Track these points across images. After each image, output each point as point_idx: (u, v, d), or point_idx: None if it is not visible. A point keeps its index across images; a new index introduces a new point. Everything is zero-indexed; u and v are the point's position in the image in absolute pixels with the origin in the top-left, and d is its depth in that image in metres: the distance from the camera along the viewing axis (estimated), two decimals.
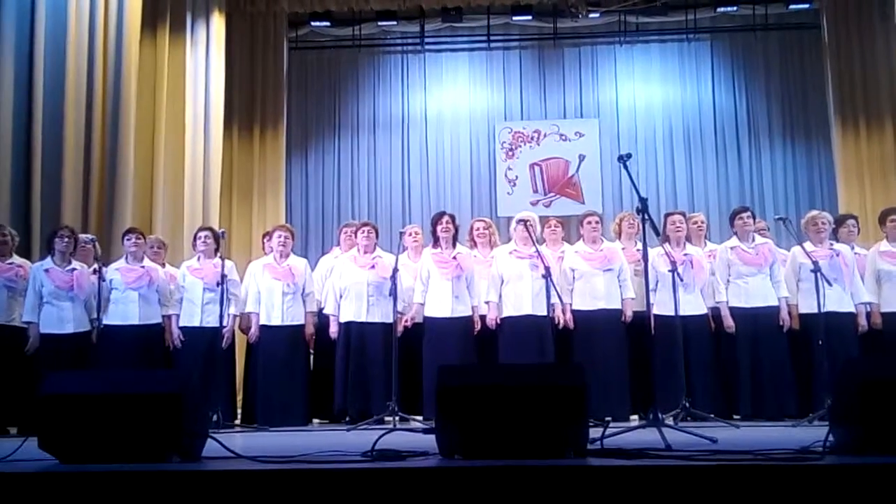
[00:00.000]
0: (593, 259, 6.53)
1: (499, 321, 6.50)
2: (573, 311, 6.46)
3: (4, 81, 7.26)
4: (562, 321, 6.35)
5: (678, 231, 6.58)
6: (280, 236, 6.82)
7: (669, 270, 5.89)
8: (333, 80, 10.93)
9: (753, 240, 6.54)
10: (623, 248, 6.71)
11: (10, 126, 7.25)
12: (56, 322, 6.22)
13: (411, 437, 4.29)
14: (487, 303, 6.54)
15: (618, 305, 6.47)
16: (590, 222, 6.70)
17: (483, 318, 6.52)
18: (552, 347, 6.17)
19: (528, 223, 6.51)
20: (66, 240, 6.33)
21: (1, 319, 6.18)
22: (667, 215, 6.79)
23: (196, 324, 6.53)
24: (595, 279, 6.48)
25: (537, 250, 6.24)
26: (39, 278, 6.23)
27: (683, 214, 6.83)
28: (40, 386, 3.31)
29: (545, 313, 6.20)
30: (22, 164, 7.31)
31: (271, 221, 9.11)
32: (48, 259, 6.35)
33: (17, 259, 6.40)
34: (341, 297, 6.70)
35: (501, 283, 6.55)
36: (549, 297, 6.08)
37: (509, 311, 6.48)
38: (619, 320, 6.45)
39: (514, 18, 10.58)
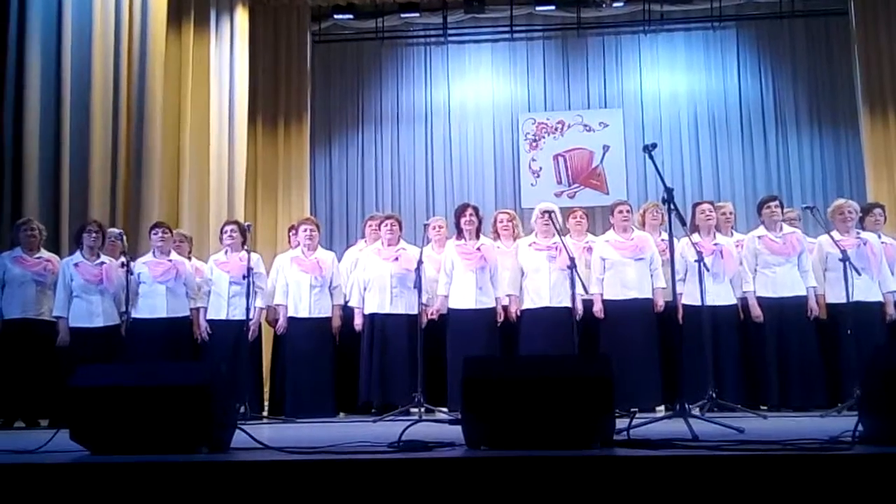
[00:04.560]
0: (624, 248, 6.49)
1: (519, 313, 6.50)
2: (603, 301, 6.43)
3: (32, 78, 7.33)
4: (580, 314, 6.28)
5: (708, 220, 6.50)
6: (306, 230, 6.86)
7: (696, 261, 5.84)
8: (357, 72, 10.95)
9: (781, 229, 6.48)
10: None
11: (38, 122, 7.33)
12: (86, 316, 6.28)
13: (437, 428, 4.29)
14: (509, 296, 6.54)
15: (649, 295, 6.41)
16: (620, 211, 6.65)
17: (505, 309, 6.53)
18: (574, 339, 6.10)
19: (549, 214, 6.48)
20: (95, 234, 6.41)
21: (31, 314, 6.25)
22: (695, 205, 6.72)
23: (223, 317, 6.58)
24: (626, 268, 6.43)
25: (561, 241, 6.21)
26: (69, 273, 6.30)
27: (712, 203, 6.77)
28: (71, 378, 3.35)
29: (567, 304, 6.18)
30: (50, 160, 7.39)
31: (296, 214, 9.16)
32: (77, 253, 6.42)
33: (45, 254, 6.47)
34: (365, 289, 6.73)
35: (522, 276, 6.54)
36: (573, 288, 6.05)
37: (528, 303, 6.47)
38: (649, 310, 6.39)
39: (538, 9, 10.54)
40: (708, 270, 5.96)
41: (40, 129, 7.34)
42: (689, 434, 3.53)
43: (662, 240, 6.51)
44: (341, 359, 6.86)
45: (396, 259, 6.70)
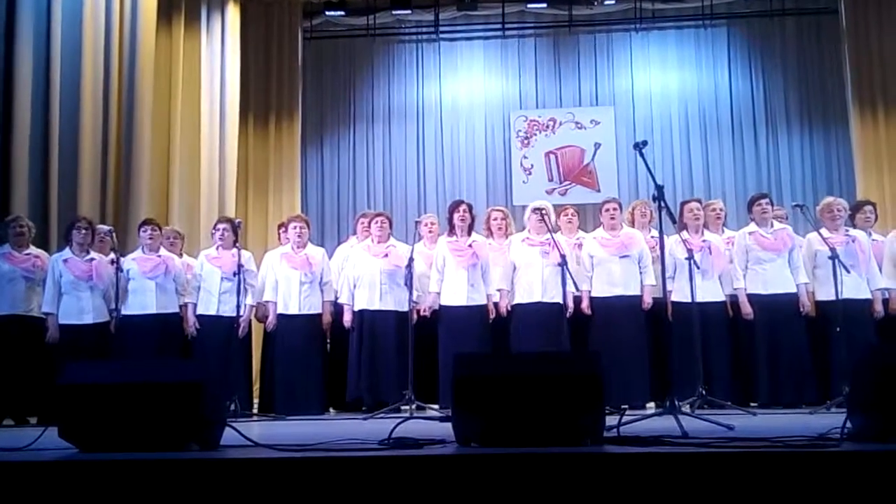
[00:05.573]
0: (610, 245, 6.51)
1: (509, 308, 6.50)
2: (591, 298, 6.44)
3: (22, 75, 7.30)
4: (571, 309, 6.31)
5: (696, 220, 6.54)
6: (296, 227, 6.85)
7: (686, 258, 5.86)
8: (348, 69, 10.92)
9: (772, 226, 6.50)
10: None
11: (28, 119, 7.30)
12: (76, 313, 6.27)
13: (428, 425, 4.30)
14: (500, 290, 6.54)
15: (635, 292, 6.43)
16: (608, 209, 6.68)
17: (496, 305, 6.53)
18: (566, 334, 6.15)
19: (542, 212, 6.49)
20: (84, 231, 6.39)
21: (20, 310, 6.23)
22: (683, 203, 6.76)
23: (213, 312, 6.57)
24: (611, 265, 6.46)
25: (552, 238, 6.22)
26: (58, 269, 6.28)
27: (700, 202, 6.80)
28: (60, 375, 3.34)
29: (558, 300, 6.20)
30: (39, 157, 7.36)
31: (287, 212, 9.13)
32: (66, 250, 6.41)
33: (34, 250, 6.45)
34: (355, 286, 6.72)
35: (514, 271, 6.55)
36: (564, 285, 6.06)
37: (520, 298, 6.48)
38: (637, 307, 6.41)
39: (529, 6, 10.53)
40: (698, 267, 5.97)
41: (30, 125, 7.32)
42: (679, 431, 3.54)
43: (652, 237, 6.53)
44: (331, 356, 6.86)
45: (386, 256, 6.70)
